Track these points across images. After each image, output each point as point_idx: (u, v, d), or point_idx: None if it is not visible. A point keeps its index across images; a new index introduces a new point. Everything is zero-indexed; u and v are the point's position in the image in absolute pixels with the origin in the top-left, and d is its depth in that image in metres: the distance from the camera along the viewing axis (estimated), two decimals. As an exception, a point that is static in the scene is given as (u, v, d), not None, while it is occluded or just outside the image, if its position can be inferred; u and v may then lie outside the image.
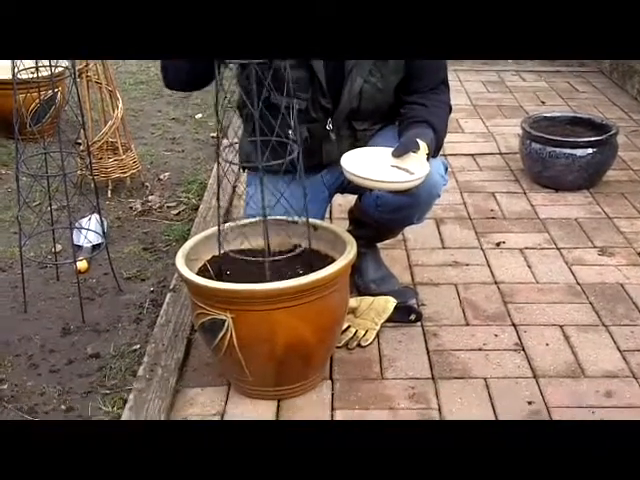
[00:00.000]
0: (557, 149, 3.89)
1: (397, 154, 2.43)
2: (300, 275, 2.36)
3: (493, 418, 2.39)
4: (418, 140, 2.44)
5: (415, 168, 2.41)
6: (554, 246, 3.42)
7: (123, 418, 2.37)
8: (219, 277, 2.41)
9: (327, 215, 3.58)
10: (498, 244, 3.43)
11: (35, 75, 2.99)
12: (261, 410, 2.45)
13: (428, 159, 2.46)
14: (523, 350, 2.71)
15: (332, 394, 2.52)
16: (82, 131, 3.25)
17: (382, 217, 2.77)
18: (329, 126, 2.64)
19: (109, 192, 4.01)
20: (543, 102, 5.36)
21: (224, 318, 2.30)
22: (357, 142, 2.66)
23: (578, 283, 3.11)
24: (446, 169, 2.76)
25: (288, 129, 2.65)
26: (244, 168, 2.97)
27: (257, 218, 2.66)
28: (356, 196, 2.90)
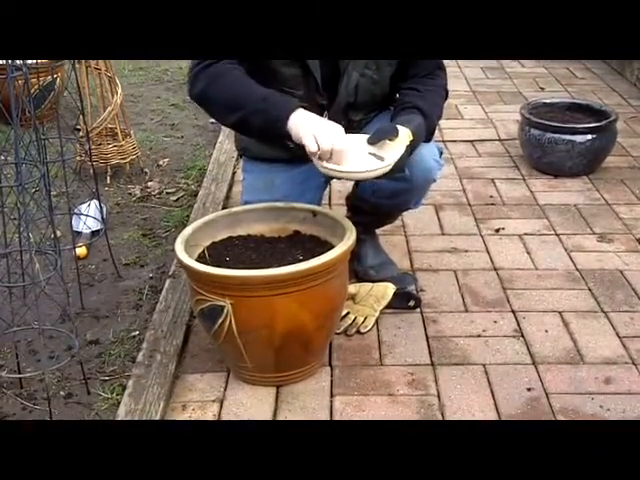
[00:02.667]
0: (556, 135, 3.89)
1: (371, 142, 2.42)
2: (299, 261, 2.37)
3: (492, 404, 2.40)
4: (398, 126, 2.43)
5: (388, 155, 2.40)
6: (553, 232, 3.42)
7: (122, 404, 2.37)
8: (218, 263, 2.41)
9: (326, 201, 3.59)
10: (497, 230, 3.43)
11: (34, 61, 2.99)
12: (260, 396, 2.45)
13: (413, 145, 2.44)
14: (522, 336, 2.71)
15: (331, 380, 2.52)
16: (81, 117, 3.25)
17: (379, 203, 2.77)
18: (325, 119, 2.63)
19: (108, 178, 4.00)
20: (542, 88, 5.36)
21: (223, 304, 2.30)
22: (353, 131, 2.65)
23: (577, 269, 3.11)
24: (441, 153, 2.75)
25: None
26: (241, 154, 2.97)
27: (255, 205, 2.66)
28: (353, 182, 2.90)
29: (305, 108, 2.59)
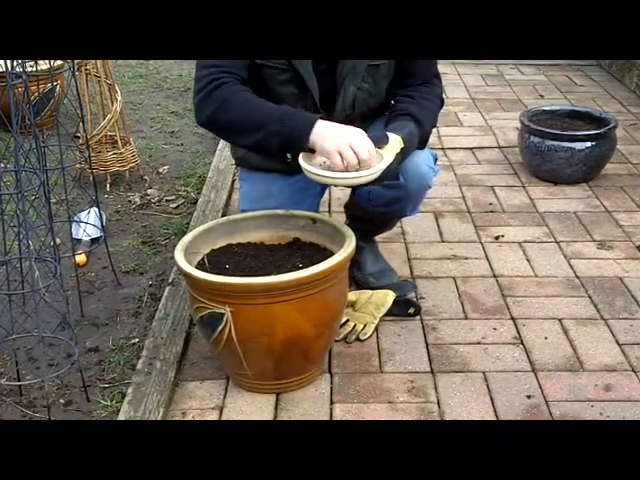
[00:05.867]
0: (556, 142, 3.89)
1: None
2: (299, 268, 2.37)
3: (492, 411, 2.40)
4: (389, 134, 2.43)
5: (376, 162, 2.39)
6: (553, 239, 3.42)
7: (122, 412, 2.37)
8: (218, 271, 2.41)
9: (326, 209, 3.59)
10: (497, 237, 3.43)
11: (34, 68, 2.99)
12: (260, 404, 2.45)
13: (405, 152, 2.45)
14: (522, 344, 2.71)
15: (331, 388, 2.52)
16: (81, 124, 3.25)
17: (375, 210, 2.77)
18: None
19: (108, 186, 4.00)
20: (542, 95, 5.36)
21: (223, 312, 2.30)
22: None
23: (577, 276, 3.11)
24: (436, 160, 2.76)
25: None
26: (238, 164, 2.97)
27: (254, 212, 2.66)
28: (350, 189, 2.89)
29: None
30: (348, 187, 2.61)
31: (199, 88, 2.48)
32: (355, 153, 2.29)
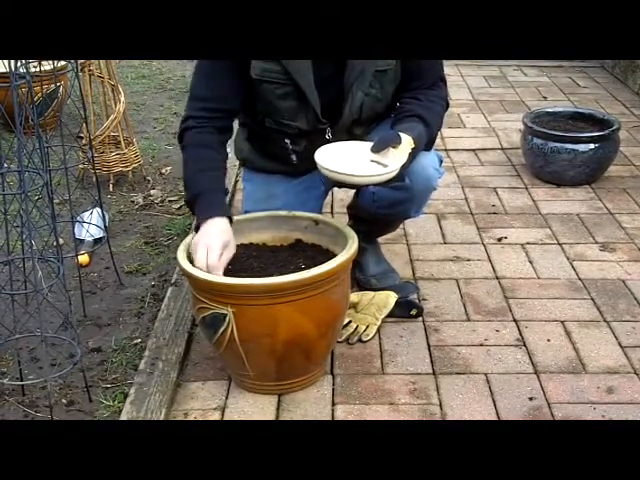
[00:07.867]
0: (559, 144, 3.89)
1: (376, 149, 2.42)
2: (302, 269, 2.37)
3: (494, 413, 2.39)
4: (401, 134, 2.43)
5: (391, 162, 2.40)
6: (555, 241, 3.42)
7: (124, 412, 2.37)
8: (221, 271, 2.41)
9: (328, 210, 3.59)
10: (499, 239, 3.43)
11: (37, 69, 2.99)
12: (262, 405, 2.45)
13: (414, 152, 2.45)
14: (524, 345, 2.71)
15: (333, 389, 2.52)
16: (84, 125, 3.25)
17: (379, 212, 2.76)
18: (328, 136, 2.63)
19: (111, 186, 4.01)
20: (545, 97, 5.36)
21: (225, 312, 2.30)
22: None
23: (579, 278, 3.11)
24: (441, 162, 2.76)
25: (285, 139, 2.66)
26: (242, 165, 2.97)
27: (257, 213, 2.66)
28: (355, 190, 2.90)
29: (307, 133, 2.60)
30: (361, 186, 2.61)
31: (181, 119, 2.60)
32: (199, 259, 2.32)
